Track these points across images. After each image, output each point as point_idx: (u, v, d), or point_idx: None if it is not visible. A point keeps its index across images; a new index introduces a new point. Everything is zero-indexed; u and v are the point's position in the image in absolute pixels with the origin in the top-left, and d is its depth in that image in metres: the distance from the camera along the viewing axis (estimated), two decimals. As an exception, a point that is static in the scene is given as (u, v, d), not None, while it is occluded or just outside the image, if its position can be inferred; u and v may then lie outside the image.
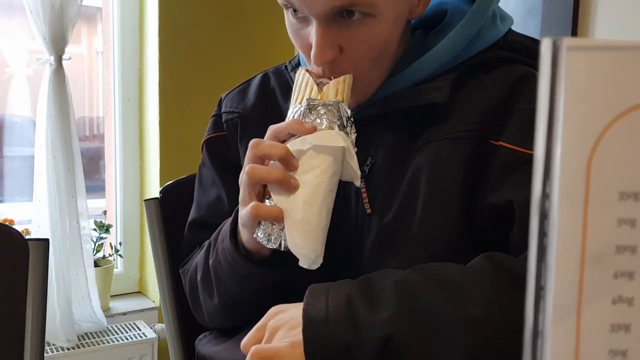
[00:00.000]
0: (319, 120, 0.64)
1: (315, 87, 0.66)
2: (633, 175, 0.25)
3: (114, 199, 1.95)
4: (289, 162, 0.62)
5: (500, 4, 0.74)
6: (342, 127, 0.65)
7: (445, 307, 0.57)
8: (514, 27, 0.75)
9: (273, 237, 0.63)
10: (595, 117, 0.24)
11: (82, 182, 1.69)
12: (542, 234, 0.25)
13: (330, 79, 0.67)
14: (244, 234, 0.67)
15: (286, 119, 0.66)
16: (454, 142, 0.67)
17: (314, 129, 0.63)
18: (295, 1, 0.64)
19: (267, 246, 0.63)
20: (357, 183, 0.64)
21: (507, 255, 0.62)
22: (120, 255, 1.94)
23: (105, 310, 1.83)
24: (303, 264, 0.62)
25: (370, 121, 0.71)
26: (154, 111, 1.84)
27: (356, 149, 0.65)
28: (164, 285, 0.97)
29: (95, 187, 2.29)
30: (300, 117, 0.65)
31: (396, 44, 0.69)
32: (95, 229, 1.84)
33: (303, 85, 0.67)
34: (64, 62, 1.65)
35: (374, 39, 0.66)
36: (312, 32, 0.65)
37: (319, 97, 0.66)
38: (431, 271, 0.61)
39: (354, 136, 0.65)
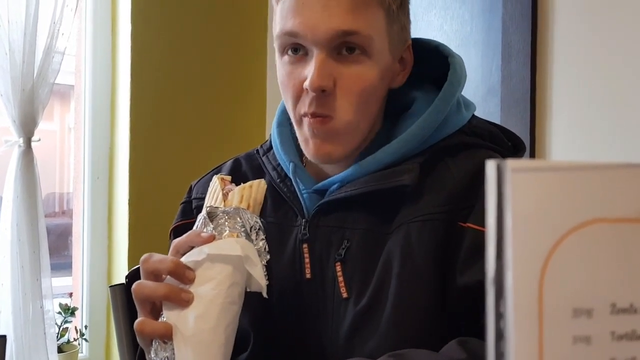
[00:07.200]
0: (220, 229, 0.61)
1: (221, 194, 0.63)
2: (585, 291, 0.25)
3: (80, 279, 1.90)
4: (181, 275, 0.59)
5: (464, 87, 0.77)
6: (247, 235, 0.61)
7: None
8: (476, 105, 0.78)
9: (165, 357, 0.58)
10: (544, 236, 0.25)
11: (48, 262, 1.64)
12: (500, 355, 0.24)
13: (241, 184, 0.65)
14: (146, 355, 0.63)
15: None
16: (423, 225, 0.67)
17: (212, 239, 0.60)
18: (300, 29, 0.66)
19: None
20: (264, 294, 0.61)
21: (479, 342, 0.61)
22: (86, 340, 1.86)
23: (69, 399, 1.73)
24: None
25: (343, 203, 0.71)
26: (123, 192, 1.83)
27: (268, 257, 0.62)
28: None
29: (63, 264, 2.22)
30: (202, 227, 0.61)
31: (378, 103, 0.72)
32: (60, 312, 1.77)
33: (212, 193, 0.65)
34: (33, 144, 1.64)
35: (365, 80, 0.68)
36: (312, 62, 0.67)
37: (222, 205, 0.63)
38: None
39: (261, 243, 0.62)
